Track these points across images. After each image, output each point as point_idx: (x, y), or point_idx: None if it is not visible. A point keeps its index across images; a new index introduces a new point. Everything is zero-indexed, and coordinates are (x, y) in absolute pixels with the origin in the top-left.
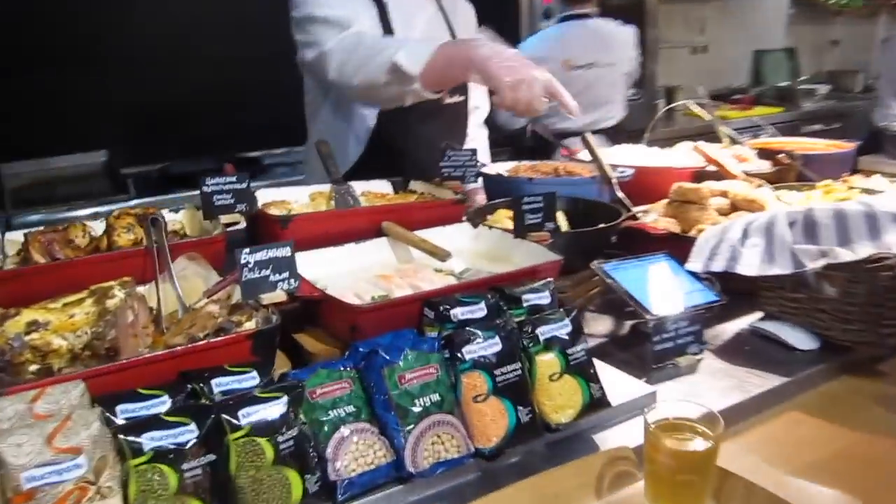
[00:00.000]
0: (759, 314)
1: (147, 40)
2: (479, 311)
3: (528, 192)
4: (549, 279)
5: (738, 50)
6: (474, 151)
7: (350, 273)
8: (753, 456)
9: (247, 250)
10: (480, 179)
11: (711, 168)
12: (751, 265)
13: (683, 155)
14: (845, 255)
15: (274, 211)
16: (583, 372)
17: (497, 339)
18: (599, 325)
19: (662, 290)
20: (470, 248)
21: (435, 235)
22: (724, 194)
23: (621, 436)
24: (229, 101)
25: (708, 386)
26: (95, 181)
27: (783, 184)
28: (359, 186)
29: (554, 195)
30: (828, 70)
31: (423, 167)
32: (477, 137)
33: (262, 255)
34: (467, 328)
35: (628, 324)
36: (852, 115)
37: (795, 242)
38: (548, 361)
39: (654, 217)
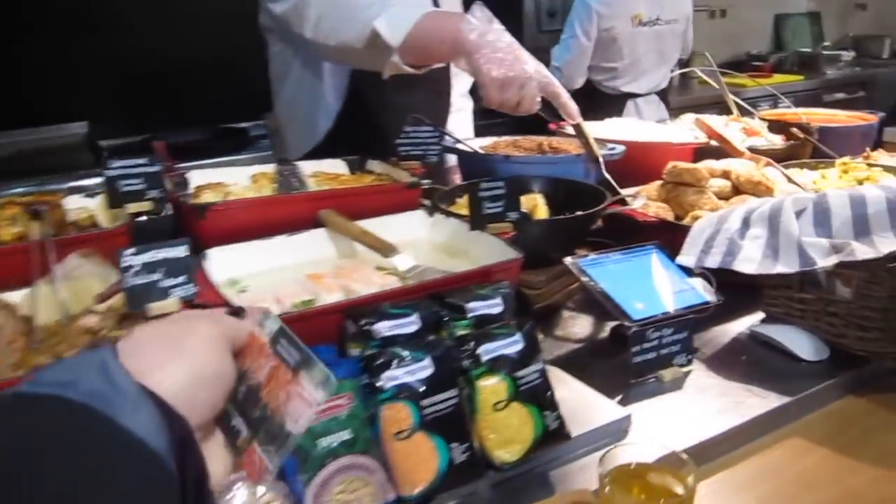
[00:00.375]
0: (761, 315)
1: (130, 6)
2: (410, 325)
3: (500, 172)
4: (503, 282)
5: (759, 14)
6: (436, 127)
7: (281, 271)
8: (746, 495)
9: (131, 250)
10: (454, 158)
11: (716, 144)
12: (751, 261)
13: (684, 129)
14: (863, 252)
15: (208, 196)
16: (536, 398)
17: (427, 360)
18: (578, 327)
19: (647, 289)
20: (426, 240)
21: (386, 225)
22: (725, 175)
23: (583, 474)
24: (217, 70)
25: (695, 406)
26: (75, 154)
27: (795, 161)
28: (309, 166)
29: (518, 180)
30: (853, 35)
31: None
32: (463, 108)
33: (150, 257)
34: (392, 348)
35: (611, 325)
36: (879, 83)
37: (804, 234)
38: (492, 387)
39: (643, 201)
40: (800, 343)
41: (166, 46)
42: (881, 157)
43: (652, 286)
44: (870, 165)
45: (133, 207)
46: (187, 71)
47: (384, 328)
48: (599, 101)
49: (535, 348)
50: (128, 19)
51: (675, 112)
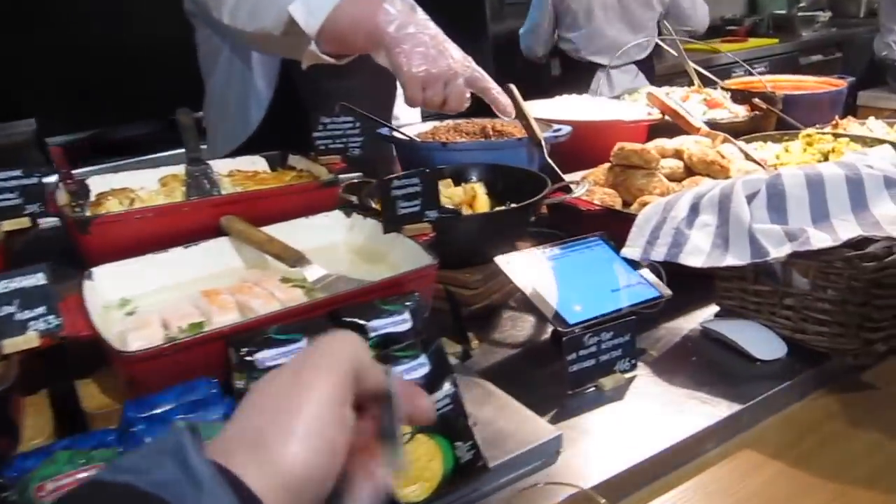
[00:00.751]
0: (716, 308)
1: None
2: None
3: (437, 161)
4: (413, 294)
5: None
6: (366, 114)
7: (178, 287)
8: None
9: None
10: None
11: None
12: (699, 253)
13: (641, 105)
14: (819, 239)
15: (111, 204)
16: (445, 428)
17: None
18: (518, 329)
19: (589, 287)
20: (344, 243)
21: (300, 228)
22: (677, 154)
23: None
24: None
25: (636, 418)
26: (24, 152)
27: (758, 134)
28: (224, 165)
29: (435, 174)
30: None
31: None
32: None
33: (1, 287)
34: None
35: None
36: (855, 43)
37: (757, 221)
38: None
39: (586, 188)
40: (754, 340)
41: (117, 36)
42: (850, 125)
43: (594, 283)
44: (836, 136)
45: (7, 225)
46: (140, 60)
47: (268, 358)
48: (573, 72)
49: (444, 370)
50: (76, 10)
51: (661, 82)
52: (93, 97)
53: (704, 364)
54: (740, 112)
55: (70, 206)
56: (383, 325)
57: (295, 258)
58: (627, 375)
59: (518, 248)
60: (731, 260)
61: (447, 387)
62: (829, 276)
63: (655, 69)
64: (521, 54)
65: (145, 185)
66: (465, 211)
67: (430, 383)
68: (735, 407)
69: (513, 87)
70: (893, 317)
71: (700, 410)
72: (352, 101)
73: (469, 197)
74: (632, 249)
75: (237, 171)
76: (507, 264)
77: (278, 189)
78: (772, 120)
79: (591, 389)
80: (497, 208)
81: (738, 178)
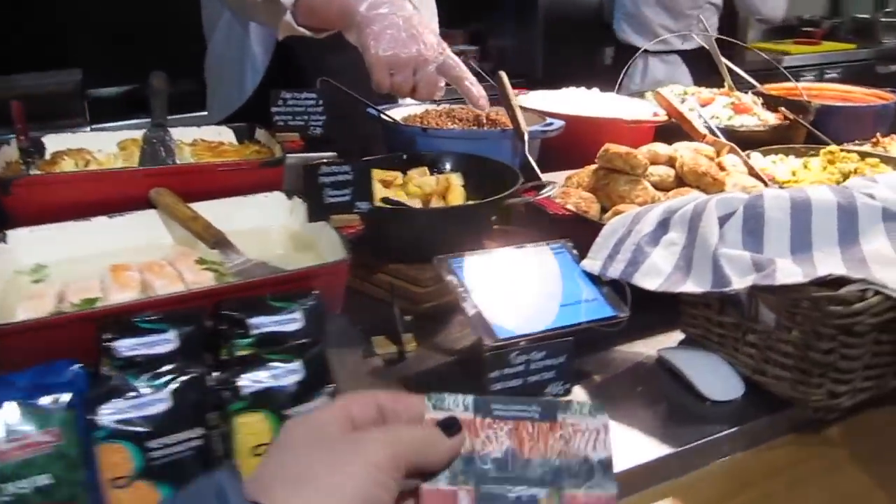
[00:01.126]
0: (682, 335)
1: None
2: (163, 343)
3: (419, 146)
4: (313, 293)
5: None
6: (319, 93)
7: (98, 258)
8: None
9: None
10: None
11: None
12: (656, 275)
13: (651, 104)
14: (786, 274)
15: (65, 164)
16: None
17: (165, 392)
18: (468, 337)
19: (537, 298)
20: (284, 227)
21: (238, 207)
22: (671, 162)
23: None
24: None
25: None
26: (67, 103)
27: (779, 146)
28: (191, 133)
29: (368, 165)
30: None
31: None
32: None
33: None
34: (127, 373)
35: None
36: None
37: (728, 245)
38: (254, 426)
39: (556, 189)
40: (708, 376)
41: None
42: (892, 143)
43: (544, 295)
44: (863, 156)
45: None
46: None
47: (126, 347)
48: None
49: (320, 379)
50: None
51: (708, 78)
52: (139, 51)
53: (650, 396)
54: (770, 119)
55: (17, 164)
56: (266, 323)
57: (215, 239)
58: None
59: (485, 246)
60: (690, 286)
61: (322, 399)
62: (794, 317)
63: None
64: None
65: (105, 147)
66: (435, 203)
67: (301, 392)
68: (666, 449)
69: (503, 74)
70: (865, 368)
71: (626, 448)
72: (352, 76)
73: (442, 187)
74: (592, 262)
75: (201, 141)
76: (445, 264)
77: (212, 165)
78: (801, 131)
79: None
80: (467, 202)
81: (716, 195)
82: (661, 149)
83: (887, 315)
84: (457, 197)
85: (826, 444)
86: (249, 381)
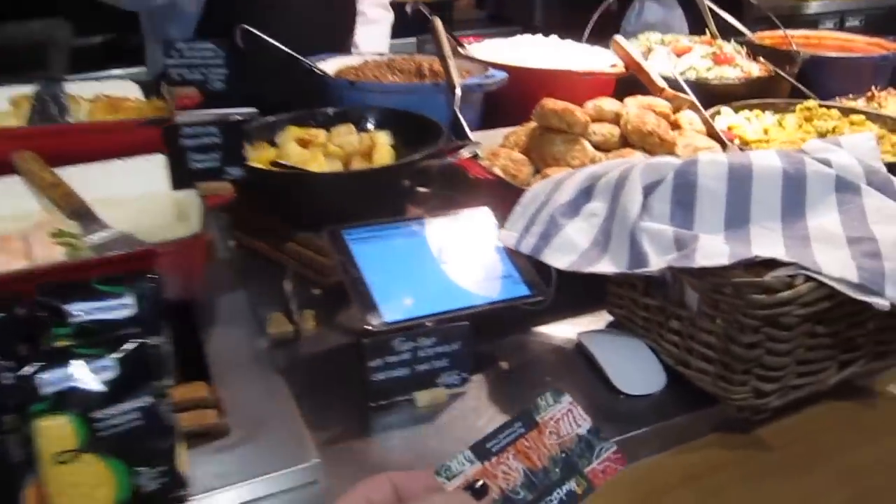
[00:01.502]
0: (608, 318)
1: None
2: None
3: (346, 101)
4: (149, 274)
5: None
6: (219, 44)
7: None
8: None
9: None
10: None
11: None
12: (568, 251)
13: (609, 54)
14: (707, 254)
15: None
16: (124, 449)
17: None
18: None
19: (438, 276)
20: (168, 194)
21: (111, 173)
22: (616, 120)
23: None
24: None
25: (440, 447)
26: (50, 52)
27: (753, 101)
28: (92, 88)
29: (240, 125)
30: None
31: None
32: (378, 21)
33: None
34: None
35: None
36: None
37: (654, 217)
38: (56, 429)
39: (474, 150)
40: (626, 366)
41: None
42: (890, 99)
43: (452, 271)
44: (846, 112)
45: None
46: None
47: None
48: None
49: (142, 377)
50: None
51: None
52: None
53: (559, 387)
54: (754, 72)
55: None
56: (89, 310)
57: (73, 208)
58: (453, 391)
59: (406, 212)
60: (604, 265)
61: (144, 399)
62: (717, 304)
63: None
64: None
65: None
66: (358, 164)
67: (114, 393)
68: None
69: (437, 21)
70: (798, 363)
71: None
72: (297, 22)
73: (366, 147)
74: (508, 234)
75: (104, 97)
76: (335, 235)
77: (81, 126)
78: (786, 85)
79: (404, 402)
80: (367, 167)
81: (644, 160)
82: (607, 104)
83: (821, 305)
84: (383, 157)
85: (751, 448)
86: (52, 378)
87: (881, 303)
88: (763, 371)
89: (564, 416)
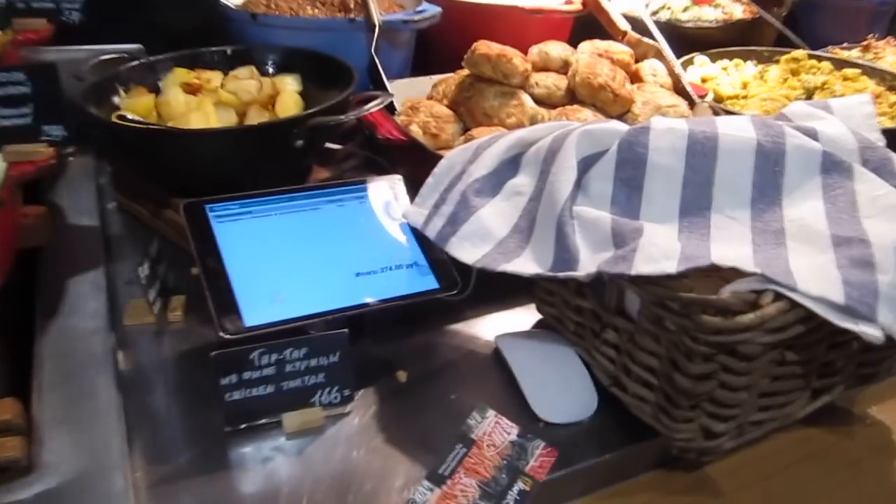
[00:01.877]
0: (538, 316)
1: None
2: None
3: (249, 38)
4: None
5: None
6: None
7: None
8: None
9: None
10: None
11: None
12: (479, 241)
13: None
14: (648, 258)
15: None
16: None
17: None
18: None
19: (322, 265)
20: None
21: None
22: (565, 69)
23: None
24: None
25: (305, 483)
26: None
27: (734, 49)
28: None
29: (54, 70)
30: None
31: None
32: None
33: None
34: None
35: None
36: None
37: (593, 198)
38: None
39: (381, 101)
40: (549, 385)
41: None
42: (888, 50)
43: (345, 258)
44: (840, 65)
45: None
46: None
47: None
48: None
49: None
50: None
51: None
52: None
53: (465, 407)
54: (736, 14)
55: None
56: None
57: None
58: (332, 412)
59: (308, 177)
60: (521, 264)
61: None
62: (661, 320)
63: None
64: None
65: None
66: (256, 115)
67: None
68: None
69: None
70: (761, 396)
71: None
72: None
73: (267, 95)
74: (416, 211)
75: None
76: (195, 211)
77: None
78: (771, 31)
79: (270, 425)
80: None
81: (582, 125)
82: (555, 50)
83: (793, 330)
84: (287, 107)
85: (696, 492)
86: None
87: (872, 333)
88: (714, 408)
89: (494, 429)
